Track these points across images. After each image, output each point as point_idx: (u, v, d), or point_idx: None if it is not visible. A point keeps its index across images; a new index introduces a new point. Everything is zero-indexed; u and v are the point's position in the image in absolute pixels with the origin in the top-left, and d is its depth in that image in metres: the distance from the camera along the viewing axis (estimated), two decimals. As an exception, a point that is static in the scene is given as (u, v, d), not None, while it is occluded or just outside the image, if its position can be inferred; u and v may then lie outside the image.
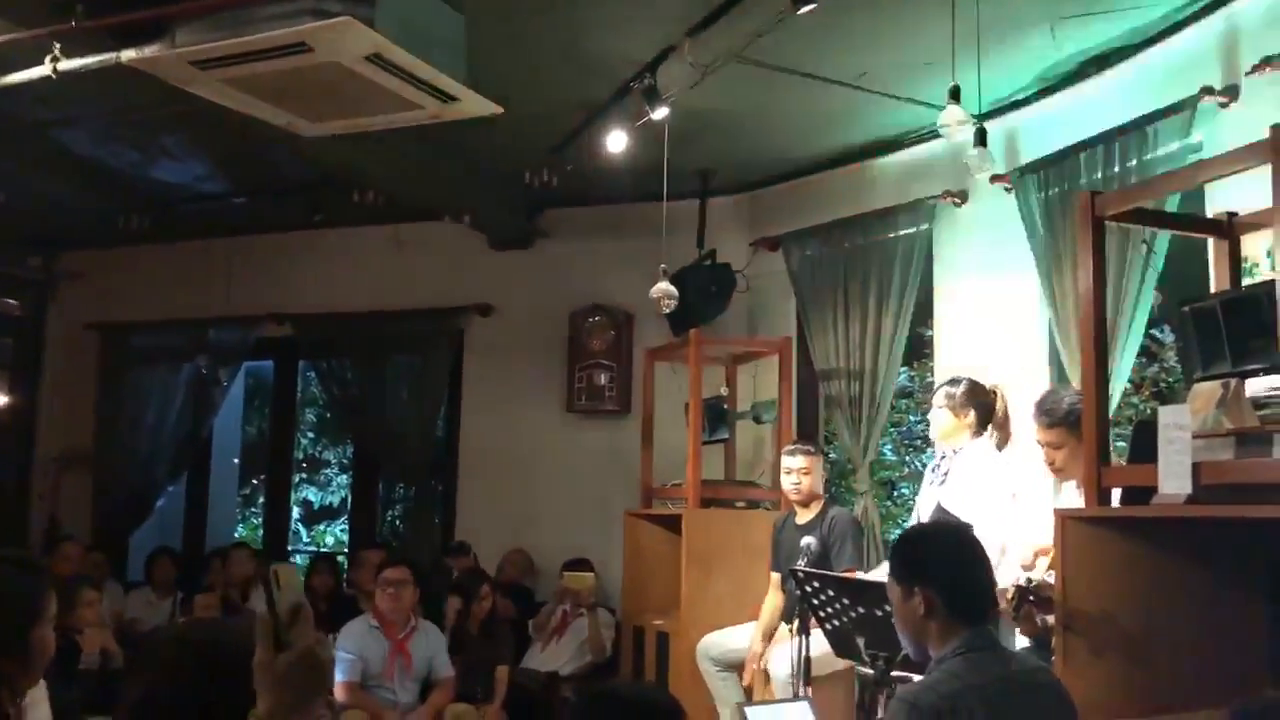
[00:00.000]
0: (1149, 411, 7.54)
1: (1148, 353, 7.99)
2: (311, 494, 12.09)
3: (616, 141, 5.20)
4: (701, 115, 5.27)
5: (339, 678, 4.76)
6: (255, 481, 10.91)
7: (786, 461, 5.01)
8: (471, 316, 7.40)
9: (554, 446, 7.08)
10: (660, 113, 4.79)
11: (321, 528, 12.17)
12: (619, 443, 6.76)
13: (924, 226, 5.61)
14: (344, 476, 11.48)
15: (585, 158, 5.58)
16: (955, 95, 3.74)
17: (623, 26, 4.55)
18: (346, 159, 5.76)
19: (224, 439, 8.52)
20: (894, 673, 3.19)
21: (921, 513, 4.31)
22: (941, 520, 3.06)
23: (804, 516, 4.95)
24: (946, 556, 2.40)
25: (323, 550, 10.78)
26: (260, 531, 9.46)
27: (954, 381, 4.38)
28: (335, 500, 12.03)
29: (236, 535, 9.33)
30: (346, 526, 10.28)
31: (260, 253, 7.82)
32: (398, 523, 8.14)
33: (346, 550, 8.54)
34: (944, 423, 4.29)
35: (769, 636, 4.88)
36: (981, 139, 4.05)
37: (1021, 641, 3.60)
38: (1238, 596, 2.96)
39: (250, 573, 6.65)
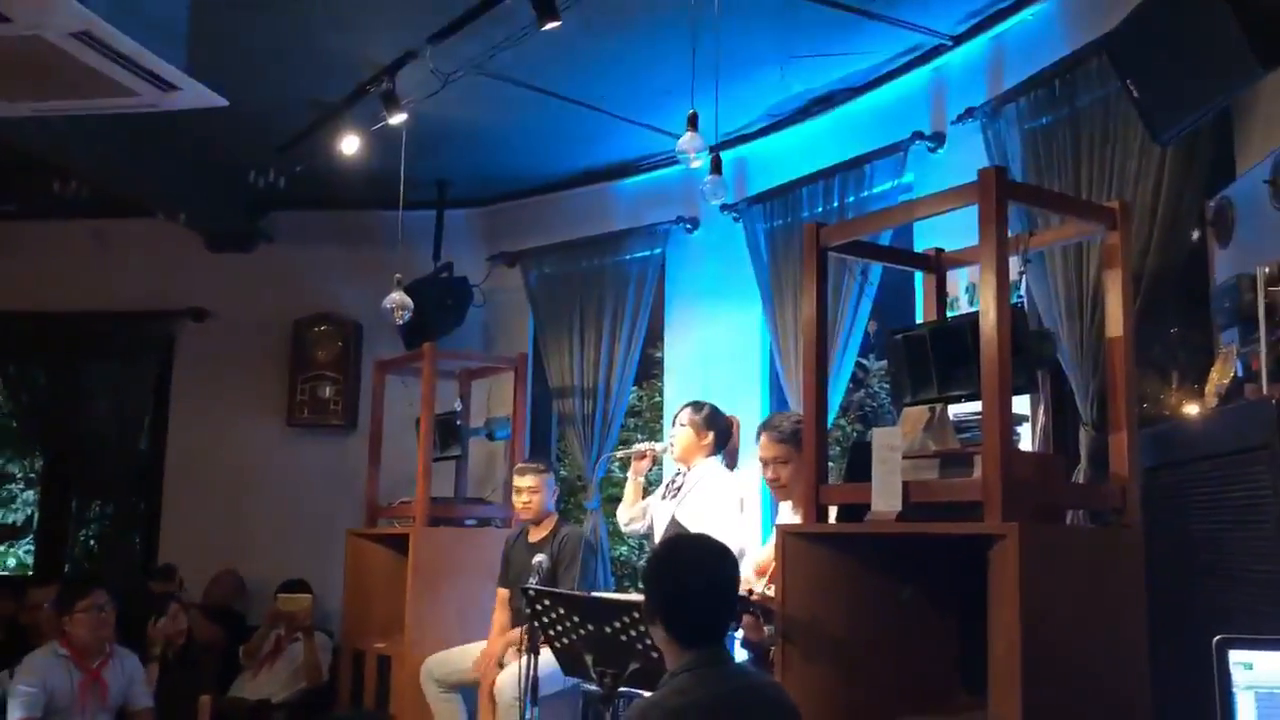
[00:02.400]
0: (854, 434, 8.04)
1: (854, 379, 8.51)
2: (-9, 512, 10.93)
3: (350, 144, 5.04)
4: (442, 124, 5.17)
5: (16, 713, 4.30)
6: (-79, 498, 9.76)
7: (517, 481, 4.98)
8: (183, 322, 6.93)
9: (272, 462, 6.74)
10: (398, 118, 4.67)
11: (2, 549, 11.02)
12: (344, 459, 6.51)
13: (657, 250, 5.76)
14: (30, 493, 10.45)
15: (317, 159, 5.36)
16: (693, 123, 3.84)
17: (362, 26, 4.39)
18: (45, 145, 5.26)
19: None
20: (621, 689, 3.21)
21: (656, 528, 4.39)
22: (677, 537, 3.10)
23: (536, 534, 4.93)
24: (675, 581, 2.42)
25: (2, 574, 9.78)
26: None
27: (697, 404, 4.52)
28: (19, 519, 10.92)
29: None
30: (32, 548, 9.37)
31: (-62, 243, 7.03)
32: (92, 543, 7.48)
33: (31, 574, 7.77)
34: (685, 441, 4.41)
35: (499, 655, 4.81)
36: (717, 167, 4.18)
37: (740, 654, 3.72)
38: (938, 611, 3.16)
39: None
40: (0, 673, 4.81)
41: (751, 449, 4.77)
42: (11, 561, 10.79)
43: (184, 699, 4.98)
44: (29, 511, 10.45)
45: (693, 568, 2.43)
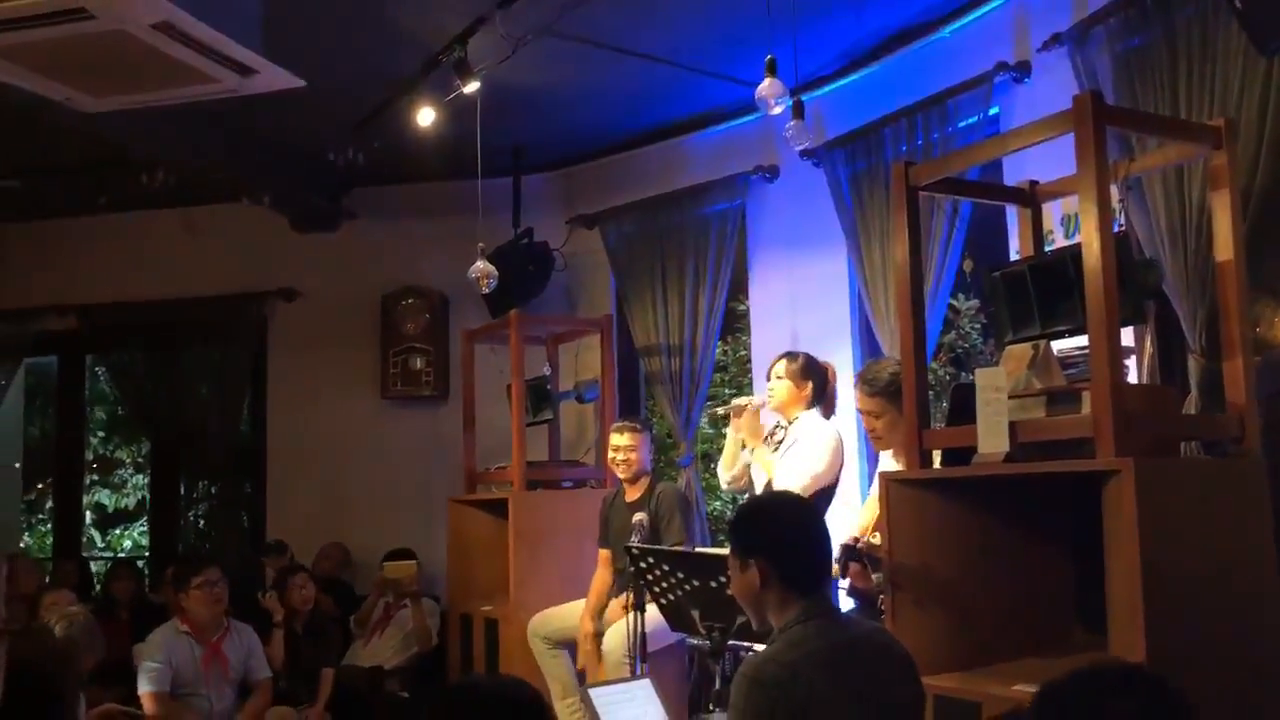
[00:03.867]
0: (946, 377, 7.91)
1: (944, 320, 8.36)
2: (105, 497, 11.34)
3: (426, 117, 5.05)
4: (514, 90, 5.16)
5: (145, 688, 4.47)
6: (41, 486, 10.15)
7: (614, 440, 4.98)
8: (275, 302, 7.07)
9: (369, 435, 6.86)
10: (471, 87, 4.66)
11: (118, 531, 11.45)
12: (439, 428, 6.61)
13: (737, 202, 5.69)
14: (141, 477, 10.82)
15: (393, 134, 5.39)
16: (772, 69, 3.77)
17: (431, -3, 4.39)
18: (134, 136, 5.37)
19: (3, 442, 7.89)
20: (730, 642, 3.22)
21: (757, 483, 4.36)
22: (777, 492, 3.08)
23: (633, 494, 4.94)
24: (779, 528, 2.41)
25: (120, 555, 10.15)
26: (50, 539, 8.82)
27: (792, 355, 4.43)
28: (132, 502, 11.32)
29: (23, 545, 8.67)
30: (146, 529, 9.71)
31: (39, 239, 7.26)
32: (202, 523, 7.73)
33: (148, 554, 8.06)
34: (784, 393, 4.33)
35: (599, 613, 4.86)
36: (799, 111, 4.10)
37: (847, 603, 3.70)
38: (1050, 551, 3.10)
39: (35, 586, 6.16)
40: (135, 646, 5.01)
41: (847, 396, 4.72)
42: (128, 543, 11.20)
43: (309, 670, 5.12)
44: (140, 495, 10.83)
45: (803, 514, 2.46)
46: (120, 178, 6.29)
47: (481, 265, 5.04)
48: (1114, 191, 2.90)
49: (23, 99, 3.95)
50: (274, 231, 6.97)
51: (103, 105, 3.94)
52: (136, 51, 3.46)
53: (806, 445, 4.12)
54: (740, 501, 4.78)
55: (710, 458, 6.72)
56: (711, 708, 3.60)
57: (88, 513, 9.93)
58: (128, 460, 11.49)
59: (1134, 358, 3.59)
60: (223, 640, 4.71)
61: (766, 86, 3.78)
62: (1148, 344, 3.62)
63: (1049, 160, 3.17)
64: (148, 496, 9.23)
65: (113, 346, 7.36)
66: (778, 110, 3.90)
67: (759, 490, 4.27)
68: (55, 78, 3.68)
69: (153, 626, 4.84)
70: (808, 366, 4.35)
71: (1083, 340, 2.75)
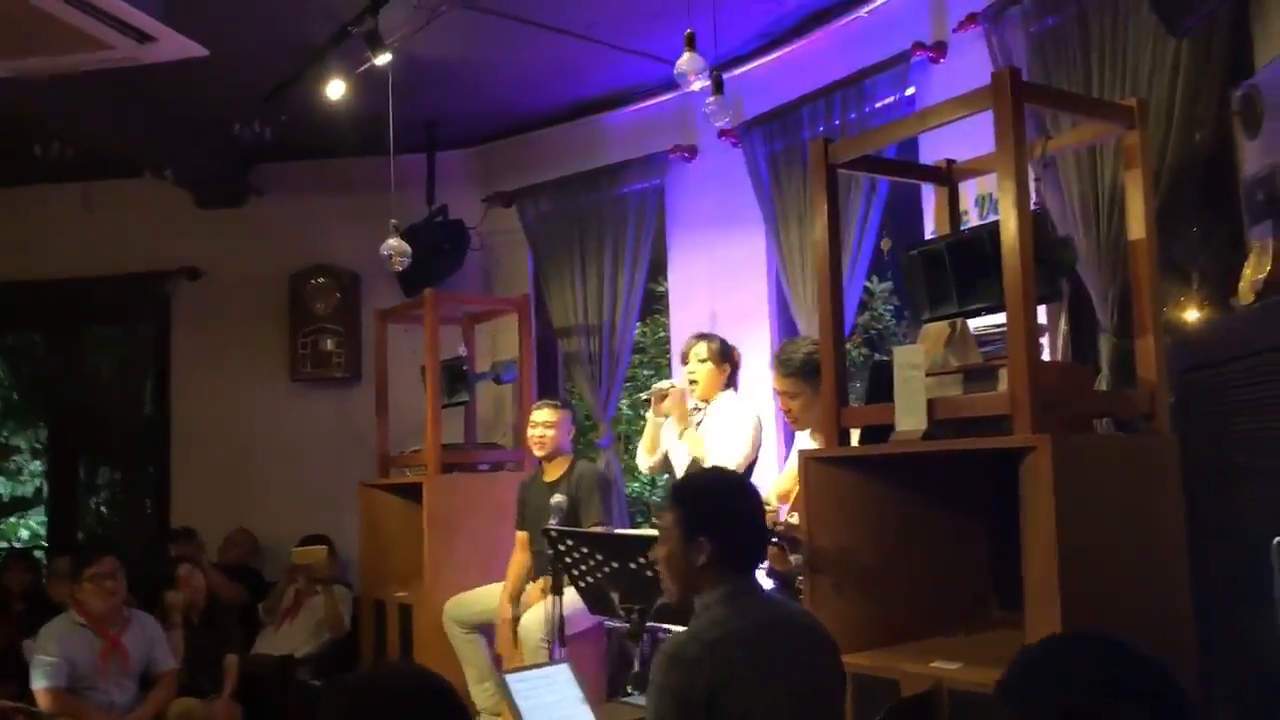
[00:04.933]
0: (860, 358, 7.98)
1: (859, 302, 8.43)
2: (0, 484, 10.91)
3: (336, 89, 4.91)
4: (428, 63, 5.05)
5: (40, 684, 4.29)
6: (-72, 475, 9.72)
7: (534, 416, 4.91)
8: (179, 281, 6.83)
9: (279, 419, 6.69)
10: (383, 59, 4.54)
11: (14, 520, 11.02)
12: (351, 411, 6.47)
13: (655, 181, 5.65)
14: (38, 463, 10.43)
15: (302, 107, 5.22)
16: (691, 43, 3.73)
17: (341, -36, 4.25)
18: (26, 107, 5.12)
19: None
20: (649, 624, 3.18)
21: (676, 465, 4.33)
22: (725, 471, 3.04)
23: (552, 474, 4.87)
24: (730, 507, 2.38)
25: (16, 545, 9.77)
26: (-61, 530, 8.46)
27: (708, 336, 4.41)
28: (29, 490, 10.90)
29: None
30: (45, 518, 9.37)
31: (-76, 215, 6.91)
32: (103, 510, 7.46)
33: (45, 545, 7.77)
34: (706, 376, 4.31)
35: (516, 597, 4.80)
36: (719, 86, 4.06)
37: (766, 584, 3.68)
38: (967, 528, 3.13)
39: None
40: (25, 641, 4.80)
41: (753, 375, 4.72)
42: (25, 533, 10.79)
43: (212, 659, 4.96)
44: (38, 482, 10.43)
45: (750, 496, 2.44)
46: (13, 150, 6.00)
47: (394, 243, 4.92)
48: (1030, 170, 2.91)
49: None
50: (177, 207, 6.73)
51: (-11, 71, 3.74)
52: (25, 15, 3.28)
53: (730, 428, 4.11)
54: (666, 480, 4.75)
55: (630, 439, 6.70)
56: (630, 689, 3.58)
57: (-20, 501, 9.55)
58: (24, 446, 11.06)
59: (1047, 336, 3.62)
60: (123, 632, 4.54)
61: (686, 61, 3.74)
62: (1061, 322, 3.67)
63: (964, 140, 3.18)
64: (45, 484, 8.91)
65: (8, 328, 7.05)
66: (697, 86, 3.86)
67: (679, 473, 4.24)
68: (-64, 40, 3.48)
69: (47, 619, 4.65)
70: (724, 348, 4.35)
71: (999, 318, 2.76)
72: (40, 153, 5.86)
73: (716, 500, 2.39)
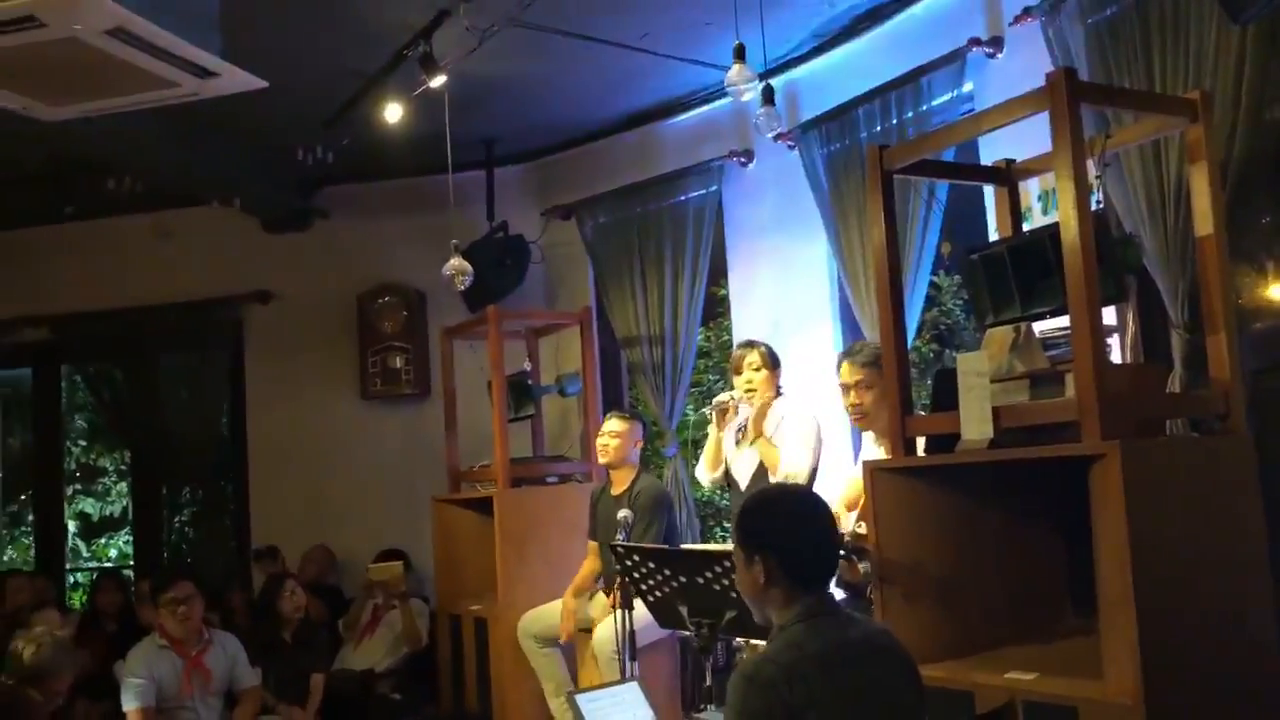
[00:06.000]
0: (930, 354, 7.87)
1: (927, 297, 8.32)
2: (89, 505, 11.23)
3: (394, 112, 4.98)
4: (482, 82, 5.09)
5: (131, 705, 4.42)
6: (23, 497, 10.04)
7: (604, 425, 4.94)
8: (250, 305, 6.99)
9: (351, 436, 6.80)
10: (438, 81, 4.59)
11: (103, 541, 11.34)
12: (421, 426, 6.55)
13: (713, 188, 5.64)
14: (123, 484, 10.72)
15: (362, 131, 5.31)
16: (740, 54, 3.71)
17: (392, -10, 4.32)
18: (96, 143, 5.28)
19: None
20: (719, 637, 3.18)
21: (740, 478, 4.31)
22: (785, 486, 3.03)
23: (618, 486, 4.88)
24: (786, 522, 2.35)
25: (106, 565, 10.05)
26: (33, 551, 8.72)
27: (755, 344, 4.40)
28: (116, 510, 11.20)
29: (6, 557, 8.57)
30: (131, 538, 9.63)
31: (5, 251, 7.13)
32: (187, 529, 7.65)
33: (133, 564, 7.99)
34: (764, 382, 4.29)
35: (583, 592, 4.81)
36: (769, 97, 4.05)
37: (836, 594, 3.65)
38: (1039, 535, 3.07)
39: (27, 599, 6.07)
40: (116, 663, 4.95)
41: (816, 377, 4.68)
42: (114, 552, 11.10)
43: (298, 678, 5.07)
44: (124, 503, 10.72)
45: (811, 508, 2.38)
46: (86, 185, 6.18)
47: (456, 262, 4.98)
48: (1091, 168, 2.85)
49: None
50: (246, 233, 6.89)
51: (60, 114, 3.85)
52: (91, 58, 3.38)
53: (793, 437, 4.09)
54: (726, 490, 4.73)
55: (699, 444, 6.70)
56: (703, 705, 3.57)
57: (71, 522, 9.83)
58: (110, 468, 11.38)
59: (1117, 335, 3.55)
60: (204, 653, 4.65)
61: (735, 73, 3.73)
62: (1130, 321, 3.58)
63: (1025, 138, 3.12)
64: (130, 504, 9.16)
65: (87, 356, 7.26)
66: (747, 97, 3.85)
67: (744, 485, 4.22)
68: (9, 87, 3.59)
69: (139, 638, 4.79)
70: (773, 352, 4.33)
71: (1064, 320, 2.70)
72: (113, 186, 6.03)
73: (768, 518, 2.36)
